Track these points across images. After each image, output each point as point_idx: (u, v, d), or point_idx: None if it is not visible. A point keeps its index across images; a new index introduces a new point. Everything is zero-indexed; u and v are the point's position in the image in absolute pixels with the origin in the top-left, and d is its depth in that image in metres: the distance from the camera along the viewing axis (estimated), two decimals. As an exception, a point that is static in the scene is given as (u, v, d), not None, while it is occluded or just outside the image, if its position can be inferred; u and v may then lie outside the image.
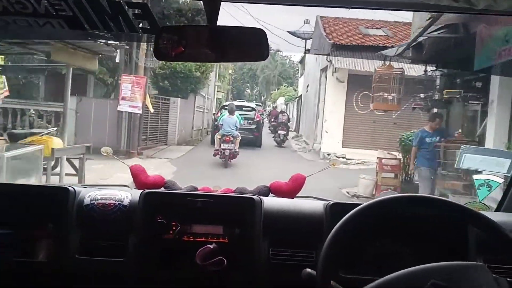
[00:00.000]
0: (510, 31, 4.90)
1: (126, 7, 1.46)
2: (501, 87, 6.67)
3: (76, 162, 7.74)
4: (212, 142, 14.32)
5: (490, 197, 2.35)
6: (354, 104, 16.00)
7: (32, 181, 5.97)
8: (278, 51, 49.76)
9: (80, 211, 1.80)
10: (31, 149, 6.41)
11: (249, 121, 17.04)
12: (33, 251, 1.77)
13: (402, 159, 9.33)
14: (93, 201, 1.82)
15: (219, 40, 1.40)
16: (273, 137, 19.68)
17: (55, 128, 9.81)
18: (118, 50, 11.34)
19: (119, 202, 1.82)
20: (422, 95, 9.51)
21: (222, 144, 12.17)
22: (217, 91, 31.38)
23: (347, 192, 9.15)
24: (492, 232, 1.20)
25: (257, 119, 17.75)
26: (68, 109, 10.08)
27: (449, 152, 7.29)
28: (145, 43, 10.42)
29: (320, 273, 1.12)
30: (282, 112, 21.24)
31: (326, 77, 17.06)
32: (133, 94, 11.20)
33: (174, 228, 1.77)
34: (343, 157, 14.41)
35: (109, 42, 8.95)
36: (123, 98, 11.31)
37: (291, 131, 23.36)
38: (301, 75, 31.90)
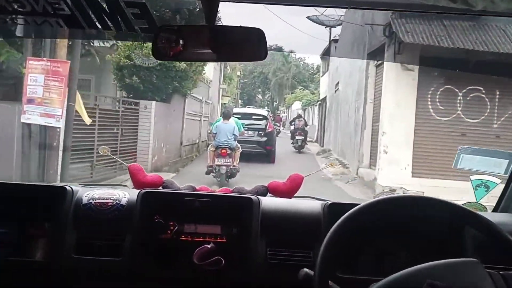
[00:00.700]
0: None
1: (125, 6, 1.46)
2: None
3: None
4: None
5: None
6: (430, 106, 9.82)
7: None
8: (292, 52, 46.49)
9: (77, 210, 1.80)
10: None
11: (260, 132, 13.90)
12: (30, 250, 1.77)
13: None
14: (90, 201, 1.81)
15: (217, 40, 1.40)
16: (291, 143, 17.84)
17: None
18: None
19: (117, 201, 1.82)
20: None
21: (216, 159, 9.34)
22: (222, 96, 27.26)
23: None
24: (489, 233, 1.20)
25: (270, 129, 14.28)
26: None
27: None
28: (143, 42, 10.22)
29: (318, 273, 1.13)
30: (298, 116, 19.63)
31: (379, 66, 11.49)
32: (47, 93, 6.17)
33: (171, 227, 1.77)
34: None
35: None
36: (29, 101, 6.16)
37: (311, 141, 22.29)
38: (324, 73, 26.55)
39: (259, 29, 1.38)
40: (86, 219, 1.79)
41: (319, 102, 26.61)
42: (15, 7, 1.46)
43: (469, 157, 2.51)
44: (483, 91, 9.32)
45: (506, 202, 2.13)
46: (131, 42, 10.05)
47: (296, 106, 37.80)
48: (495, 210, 2.19)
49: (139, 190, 1.85)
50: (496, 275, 1.12)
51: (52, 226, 1.79)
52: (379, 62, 11.37)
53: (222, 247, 1.73)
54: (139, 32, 1.58)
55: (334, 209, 1.73)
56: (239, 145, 9.93)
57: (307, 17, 17.80)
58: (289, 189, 2.07)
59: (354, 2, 1.35)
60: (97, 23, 1.50)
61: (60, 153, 6.85)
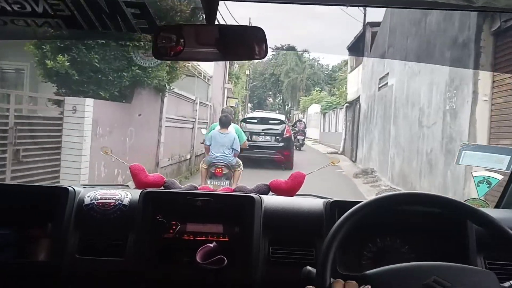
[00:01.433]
0: None
1: (125, 6, 1.46)
2: None
3: None
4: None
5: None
6: None
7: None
8: (306, 51, 43.07)
9: (80, 211, 1.80)
10: None
11: (277, 137, 13.39)
12: (33, 251, 1.77)
13: None
14: (93, 201, 1.82)
15: (217, 39, 1.40)
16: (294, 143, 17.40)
17: None
18: None
19: (119, 201, 1.82)
20: None
21: (209, 180, 7.17)
22: (228, 97, 23.14)
23: None
24: (492, 229, 1.20)
25: (287, 134, 13.70)
26: None
27: None
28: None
29: (320, 271, 1.13)
30: (299, 120, 23.82)
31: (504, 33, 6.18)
32: None
33: (174, 227, 1.77)
34: None
35: None
36: None
37: (336, 152, 19.97)
38: (353, 68, 21.04)
39: (259, 27, 1.39)
40: (89, 220, 1.79)
41: (346, 104, 20.94)
42: (15, 8, 1.46)
43: (471, 153, 2.51)
44: None
45: (508, 198, 2.13)
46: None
47: (314, 109, 33.74)
48: (497, 206, 2.19)
49: (141, 190, 1.85)
50: None
51: (55, 227, 1.79)
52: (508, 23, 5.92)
53: (225, 246, 1.73)
54: (139, 32, 1.58)
55: (336, 207, 1.73)
56: (240, 161, 7.49)
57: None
58: (291, 188, 2.07)
59: (354, -1, 1.35)
60: (97, 23, 1.50)
61: None
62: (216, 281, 1.71)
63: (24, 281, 1.76)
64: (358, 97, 17.76)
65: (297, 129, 21.06)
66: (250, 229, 1.75)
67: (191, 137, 12.92)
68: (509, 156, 2.31)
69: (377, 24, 15.05)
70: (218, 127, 7.50)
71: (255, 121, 13.90)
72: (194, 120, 13.20)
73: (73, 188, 1.86)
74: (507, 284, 1.15)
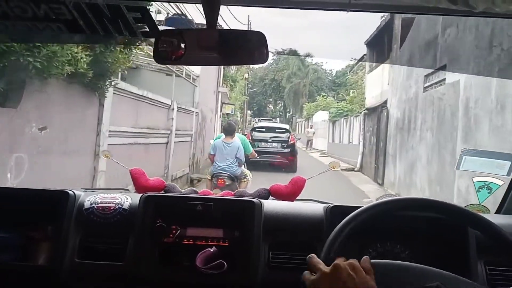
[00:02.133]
0: None
1: (126, 10, 1.46)
2: None
3: None
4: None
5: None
6: None
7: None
8: (308, 55, 40.80)
9: (80, 214, 1.80)
10: None
11: (283, 143, 15.34)
12: (33, 255, 1.77)
13: None
14: (93, 205, 1.82)
15: (218, 44, 1.41)
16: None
17: None
18: None
19: (119, 205, 1.82)
20: None
21: (214, 190, 5.93)
22: (223, 103, 21.60)
23: None
24: (492, 235, 1.20)
25: (292, 141, 15.79)
26: None
27: None
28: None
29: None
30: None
31: None
32: None
33: (174, 231, 1.77)
34: None
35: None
36: None
37: (353, 169, 17.24)
38: (372, 68, 18.33)
39: (260, 32, 1.39)
40: (89, 223, 1.79)
41: (364, 111, 17.78)
42: (17, 12, 1.46)
43: (472, 158, 2.51)
44: None
45: (509, 204, 2.13)
46: None
47: (321, 117, 29.81)
48: (498, 211, 2.19)
49: (141, 194, 1.85)
50: None
51: (55, 230, 1.79)
52: None
53: (225, 250, 1.73)
54: (141, 36, 1.59)
55: (337, 212, 1.72)
56: (246, 171, 7.35)
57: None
58: (291, 192, 2.07)
59: (354, 5, 1.35)
60: (98, 27, 1.50)
61: None
62: (216, 286, 1.70)
63: (23, 284, 1.76)
64: (385, 102, 14.34)
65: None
66: (250, 234, 1.75)
67: (165, 156, 10.51)
68: (510, 162, 2.31)
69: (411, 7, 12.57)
70: (223, 135, 7.33)
71: (264, 129, 16.15)
72: (169, 132, 10.60)
73: (73, 192, 1.86)
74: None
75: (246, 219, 1.78)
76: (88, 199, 1.84)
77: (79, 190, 1.96)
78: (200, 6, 1.37)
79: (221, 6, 1.38)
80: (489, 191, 2.36)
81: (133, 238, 1.76)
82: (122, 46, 5.82)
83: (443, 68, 9.12)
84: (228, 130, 7.30)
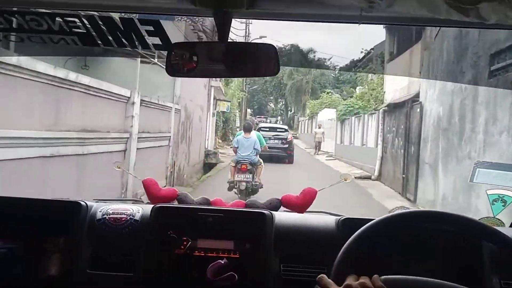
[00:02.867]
0: None
1: (139, 24, 1.48)
2: None
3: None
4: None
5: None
6: None
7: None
8: (311, 50, 37.92)
9: (91, 225, 1.81)
10: None
11: (283, 141, 18.83)
12: (45, 266, 1.78)
13: None
14: (105, 216, 1.83)
15: (230, 56, 1.42)
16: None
17: None
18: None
19: (131, 216, 1.83)
20: None
21: (237, 175, 9.22)
22: (218, 100, 19.77)
23: None
24: (508, 249, 1.18)
25: (290, 139, 19.45)
26: None
27: None
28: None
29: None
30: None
31: None
32: None
33: (185, 243, 1.77)
34: None
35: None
36: None
37: (369, 177, 14.78)
38: (393, 55, 15.52)
39: (271, 44, 1.41)
40: (101, 234, 1.80)
41: (383, 108, 15.13)
42: (32, 25, 1.49)
43: (486, 171, 2.48)
44: None
45: (524, 217, 2.10)
46: None
47: (327, 115, 26.62)
48: (512, 225, 2.15)
49: (153, 205, 1.86)
50: None
51: (67, 241, 1.80)
52: None
53: (236, 262, 1.72)
54: (153, 49, 1.60)
55: (349, 224, 1.71)
56: (261, 160, 9.56)
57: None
58: (303, 203, 2.06)
59: (365, 17, 1.35)
60: (112, 40, 1.52)
61: None
62: None
63: None
64: (416, 95, 11.38)
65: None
66: (261, 246, 1.74)
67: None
68: (525, 175, 2.28)
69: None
70: (242, 132, 9.73)
71: (267, 129, 18.99)
72: (127, 135, 8.13)
73: (86, 203, 1.87)
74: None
75: (257, 231, 1.77)
76: (100, 210, 1.85)
77: (91, 201, 1.97)
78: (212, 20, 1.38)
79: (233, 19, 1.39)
80: (503, 204, 2.33)
81: (144, 249, 1.76)
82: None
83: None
84: (247, 128, 9.78)
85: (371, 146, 16.74)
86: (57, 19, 1.48)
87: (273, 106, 52.16)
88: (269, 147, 13.04)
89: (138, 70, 9.35)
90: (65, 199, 1.96)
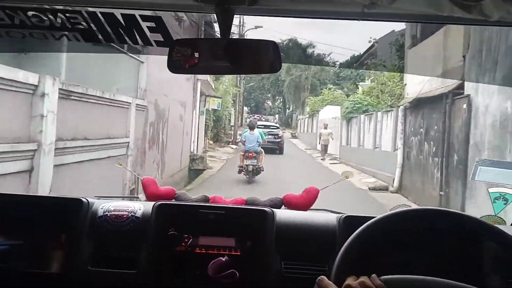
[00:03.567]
0: None
1: (141, 20, 1.48)
2: None
3: None
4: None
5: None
6: None
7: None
8: (311, 45, 36.31)
9: (93, 222, 1.81)
10: None
11: (275, 136, 22.49)
12: (46, 262, 1.78)
13: None
14: (106, 213, 1.83)
15: (232, 53, 1.42)
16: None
17: None
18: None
19: (132, 213, 1.83)
20: None
21: (245, 160, 12.57)
22: (206, 96, 17.73)
23: None
24: (510, 247, 1.18)
25: (281, 134, 23.82)
26: None
27: None
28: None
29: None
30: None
31: None
32: None
33: (186, 240, 1.77)
34: None
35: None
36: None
37: (386, 189, 12.33)
38: (417, 40, 11.97)
39: (273, 41, 1.41)
40: (102, 231, 1.80)
41: (404, 105, 12.61)
42: (34, 21, 1.49)
43: (487, 169, 2.47)
44: None
45: (525, 215, 2.09)
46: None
47: (330, 113, 23.96)
48: (514, 223, 2.15)
49: (154, 202, 1.86)
50: None
51: (68, 238, 1.80)
52: None
53: (237, 260, 1.72)
54: (155, 46, 1.60)
55: (350, 222, 1.71)
56: (262, 150, 13.01)
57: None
58: (305, 202, 2.06)
59: (367, 14, 1.35)
60: (113, 36, 1.52)
61: None
62: None
63: None
64: (459, 87, 8.89)
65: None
66: (262, 243, 1.74)
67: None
68: (527, 173, 2.28)
69: None
70: (248, 130, 13.16)
71: (262, 127, 21.24)
72: (32, 147, 5.29)
73: (87, 200, 1.87)
74: None
75: (258, 229, 1.77)
76: (102, 206, 1.85)
77: (93, 198, 1.97)
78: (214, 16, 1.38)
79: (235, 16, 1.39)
80: (505, 202, 2.32)
81: (145, 246, 1.77)
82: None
83: None
84: (251, 126, 13.35)
85: (386, 150, 14.14)
86: (58, 15, 1.48)
87: (270, 104, 50.69)
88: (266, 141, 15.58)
89: (65, 53, 6.05)
90: (67, 196, 1.96)
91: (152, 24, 1.48)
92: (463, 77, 8.65)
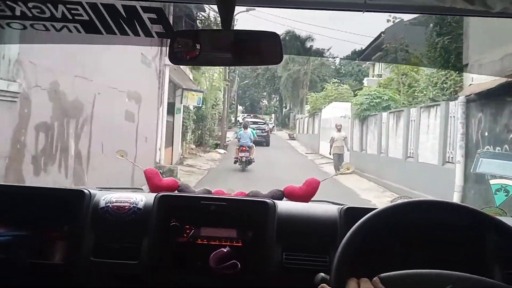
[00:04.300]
0: None
1: (142, 11, 1.47)
2: None
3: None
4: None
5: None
6: None
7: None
8: (309, 38, 33.51)
9: (95, 213, 1.82)
10: None
11: (262, 131, 26.07)
12: (49, 253, 1.79)
13: None
14: (108, 204, 1.83)
15: (233, 44, 1.41)
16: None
17: None
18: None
19: (134, 205, 1.83)
20: None
21: (239, 153, 15.08)
22: (185, 90, 14.77)
23: None
24: (510, 238, 1.18)
25: (267, 129, 28.23)
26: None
27: None
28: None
29: (334, 278, 1.12)
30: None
31: None
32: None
33: (188, 231, 1.77)
34: None
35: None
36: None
37: None
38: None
39: (275, 33, 1.40)
40: (104, 222, 1.81)
41: (467, 96, 8.46)
42: (35, 13, 1.48)
43: (489, 161, 2.47)
44: None
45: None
46: None
47: (337, 111, 19.22)
48: (515, 215, 2.15)
49: (156, 193, 1.86)
50: None
51: (71, 229, 1.81)
52: None
53: (238, 251, 1.73)
54: (156, 37, 1.60)
55: (351, 214, 1.71)
56: (253, 145, 15.70)
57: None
58: (305, 194, 2.06)
59: (370, 5, 1.34)
60: (114, 28, 1.52)
61: None
62: (229, 286, 1.71)
63: (40, 282, 1.78)
64: None
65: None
66: (263, 235, 1.75)
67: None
68: (528, 164, 2.28)
69: None
70: (243, 129, 16.02)
71: (252, 123, 23.58)
72: None
73: (89, 191, 1.88)
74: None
75: (259, 220, 1.77)
76: (103, 198, 1.86)
77: (95, 189, 1.97)
78: (215, 7, 1.37)
79: (236, 7, 1.38)
80: (506, 193, 2.33)
81: (147, 237, 1.77)
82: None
83: None
84: (245, 126, 16.31)
85: (428, 162, 10.20)
86: (59, 6, 1.47)
87: (266, 103, 47.17)
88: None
89: None
90: (69, 188, 1.96)
91: (153, 16, 1.48)
92: None
